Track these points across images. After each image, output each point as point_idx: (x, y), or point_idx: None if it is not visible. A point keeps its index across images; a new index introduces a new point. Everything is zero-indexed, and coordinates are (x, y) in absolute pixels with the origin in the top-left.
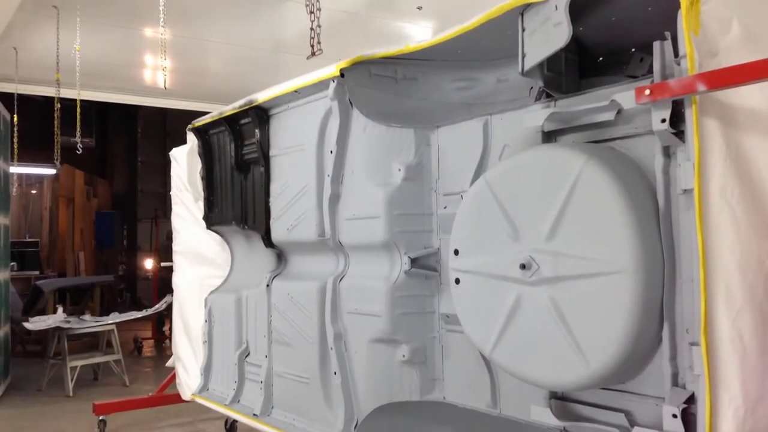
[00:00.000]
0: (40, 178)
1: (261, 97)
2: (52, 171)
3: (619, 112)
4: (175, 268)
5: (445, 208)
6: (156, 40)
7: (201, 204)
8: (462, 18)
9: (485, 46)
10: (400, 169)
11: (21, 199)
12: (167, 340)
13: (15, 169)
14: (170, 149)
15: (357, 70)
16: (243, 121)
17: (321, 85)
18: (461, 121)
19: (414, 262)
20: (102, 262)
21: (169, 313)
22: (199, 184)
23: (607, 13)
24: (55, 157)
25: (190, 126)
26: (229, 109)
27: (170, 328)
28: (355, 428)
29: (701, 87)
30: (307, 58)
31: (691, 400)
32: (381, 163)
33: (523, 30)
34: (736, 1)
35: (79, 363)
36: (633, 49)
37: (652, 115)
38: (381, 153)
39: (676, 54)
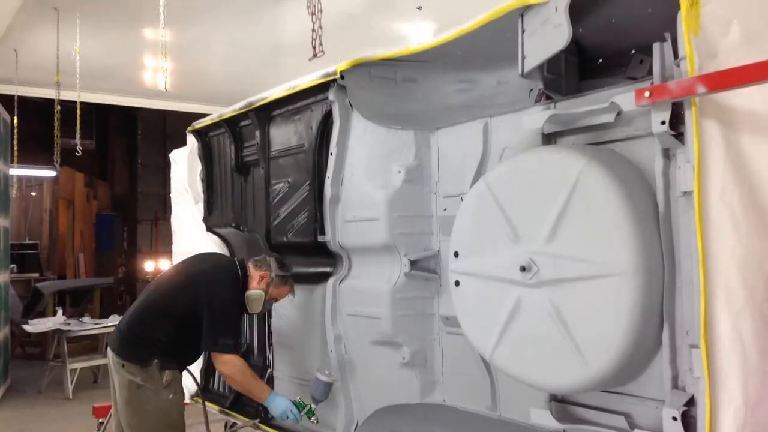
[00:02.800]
0: (40, 180)
1: (261, 98)
2: (52, 173)
3: (618, 114)
4: None
5: (445, 210)
6: (156, 41)
7: (201, 206)
8: (462, 19)
9: (485, 48)
10: (400, 171)
11: (21, 201)
12: None
13: (15, 171)
14: (170, 151)
15: (357, 72)
16: (243, 123)
17: (321, 87)
18: (461, 123)
19: (414, 264)
20: (102, 264)
21: None
22: (199, 186)
23: (606, 15)
24: (55, 159)
25: (190, 128)
26: (229, 111)
27: None
28: (354, 431)
29: (701, 89)
30: (310, 59)
31: (691, 402)
32: (381, 165)
33: (523, 32)
34: (735, 3)
35: (78, 365)
36: (633, 51)
37: (652, 117)
38: (381, 155)
39: (675, 55)
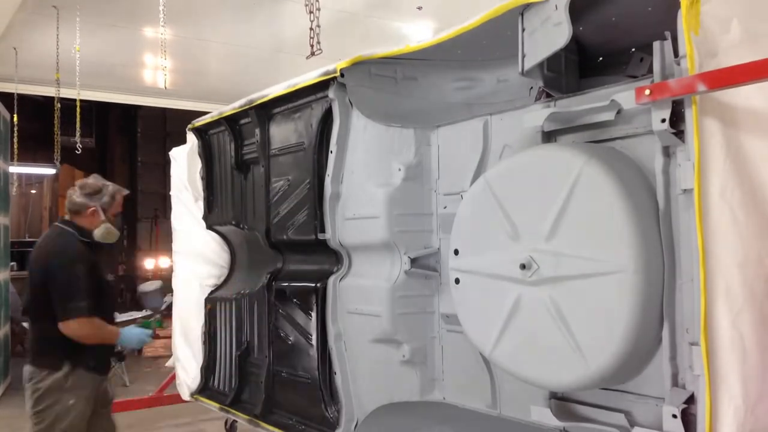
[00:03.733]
0: (39, 178)
1: (261, 96)
2: (51, 171)
3: (619, 112)
4: (174, 268)
5: (445, 207)
6: (156, 40)
7: (201, 204)
8: (462, 18)
9: (485, 46)
10: (400, 169)
11: (21, 199)
12: None
13: (15, 169)
14: (170, 149)
15: (357, 70)
16: (243, 121)
17: (321, 85)
18: (461, 121)
19: (414, 261)
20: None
21: (168, 314)
22: (199, 184)
23: (607, 13)
24: (55, 157)
25: (190, 126)
26: (229, 109)
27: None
28: (355, 428)
29: (701, 87)
30: (307, 57)
31: (691, 400)
32: (381, 163)
33: (523, 30)
34: (736, 1)
35: None
36: (633, 49)
37: (652, 115)
38: (381, 153)
39: (676, 54)
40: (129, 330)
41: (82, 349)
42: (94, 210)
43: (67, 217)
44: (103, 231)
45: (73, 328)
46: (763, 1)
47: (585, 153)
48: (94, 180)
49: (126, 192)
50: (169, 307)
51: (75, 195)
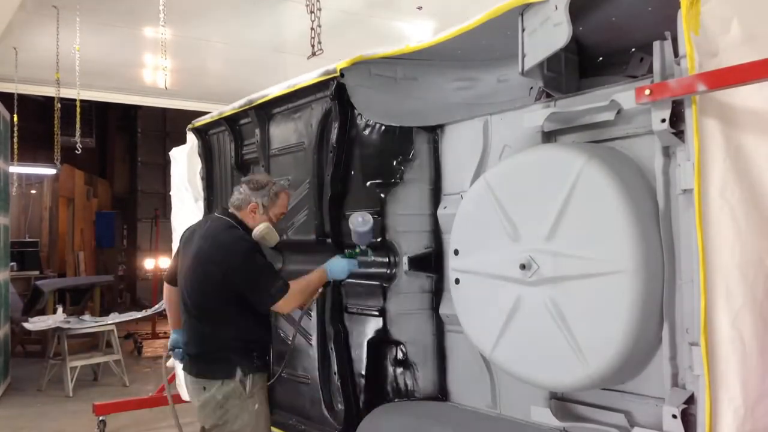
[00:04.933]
0: (40, 178)
1: (261, 96)
2: (52, 171)
3: (619, 112)
4: None
5: (445, 208)
6: (156, 40)
7: (201, 204)
8: (462, 18)
9: (485, 46)
10: (400, 169)
11: (21, 199)
12: None
13: (15, 169)
14: (170, 149)
15: (357, 70)
16: (243, 121)
17: (321, 85)
18: (461, 121)
19: (414, 262)
20: (102, 262)
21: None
22: (199, 184)
23: (607, 13)
24: (55, 157)
25: (190, 126)
26: (229, 109)
27: None
28: (355, 428)
29: (701, 87)
30: (308, 57)
31: (690, 400)
32: (381, 162)
33: (523, 30)
34: (736, 1)
35: (78, 363)
36: (633, 49)
37: (652, 115)
38: (381, 153)
39: (676, 54)
40: (334, 263)
41: (250, 350)
42: (255, 206)
43: (230, 209)
44: (262, 231)
45: (287, 304)
46: (763, 1)
47: (585, 153)
48: (262, 176)
49: (288, 191)
50: None
51: (243, 189)
